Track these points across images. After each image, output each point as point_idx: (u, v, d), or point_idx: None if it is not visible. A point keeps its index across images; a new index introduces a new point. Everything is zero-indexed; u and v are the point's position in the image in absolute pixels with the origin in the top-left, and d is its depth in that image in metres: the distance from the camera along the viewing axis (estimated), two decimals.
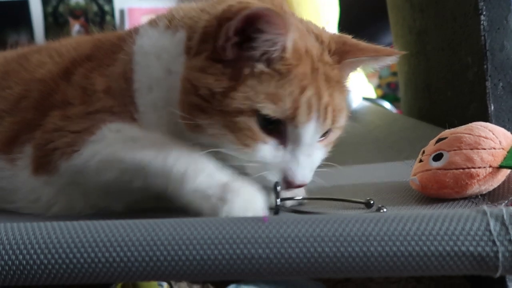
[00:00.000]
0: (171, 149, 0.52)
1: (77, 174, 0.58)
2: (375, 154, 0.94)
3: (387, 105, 1.87)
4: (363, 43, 0.60)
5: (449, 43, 0.89)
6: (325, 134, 0.57)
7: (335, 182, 0.70)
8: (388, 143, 0.83)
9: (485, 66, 0.72)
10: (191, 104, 0.54)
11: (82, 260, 0.39)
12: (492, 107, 0.73)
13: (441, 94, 0.98)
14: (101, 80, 0.62)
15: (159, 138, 0.55)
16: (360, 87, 1.78)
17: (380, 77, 3.07)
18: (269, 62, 0.53)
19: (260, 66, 0.53)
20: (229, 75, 0.53)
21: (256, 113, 0.52)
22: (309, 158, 0.55)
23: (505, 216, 0.38)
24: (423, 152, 0.61)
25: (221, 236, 0.40)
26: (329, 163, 0.61)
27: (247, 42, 0.52)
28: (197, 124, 0.54)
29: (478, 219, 0.39)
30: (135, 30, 0.67)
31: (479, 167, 0.53)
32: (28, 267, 0.39)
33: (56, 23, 1.94)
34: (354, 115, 0.97)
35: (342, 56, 0.58)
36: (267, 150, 0.53)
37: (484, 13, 0.71)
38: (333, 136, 0.60)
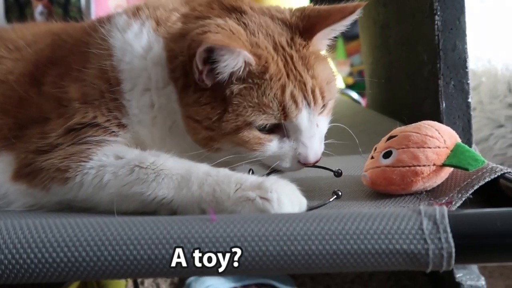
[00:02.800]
0: (188, 175, 0.53)
1: (72, 197, 0.58)
2: (337, 146, 0.96)
3: (354, 95, 1.91)
4: (325, 9, 0.60)
5: (408, 39, 0.91)
6: (323, 107, 0.61)
7: (296, 174, 0.72)
8: (349, 135, 0.86)
9: (438, 65, 0.75)
10: (202, 137, 0.58)
11: (28, 261, 0.39)
12: (444, 105, 0.76)
13: (400, 87, 1.01)
14: (74, 87, 0.60)
15: (166, 161, 0.55)
16: None
17: (351, 65, 3.11)
18: (241, 79, 0.56)
19: (236, 85, 0.56)
20: (219, 99, 0.57)
21: (249, 123, 0.57)
22: (313, 137, 0.60)
23: (437, 216, 0.41)
24: (375, 149, 0.63)
25: (169, 236, 0.40)
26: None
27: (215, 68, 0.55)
28: (215, 148, 0.59)
29: (413, 219, 0.41)
30: (105, 20, 0.64)
31: (424, 165, 0.56)
32: None
33: (17, 4, 1.86)
34: None
35: (313, 31, 0.59)
36: (274, 146, 0.59)
37: (438, 13, 0.73)
38: (331, 104, 0.64)
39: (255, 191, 0.50)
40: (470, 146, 0.78)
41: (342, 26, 0.61)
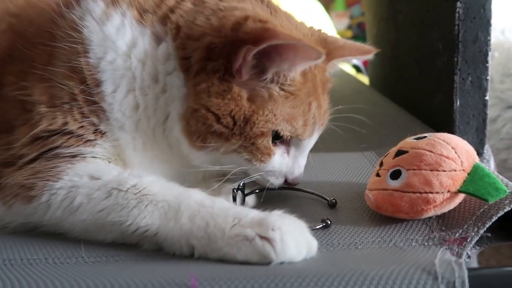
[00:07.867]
0: (178, 204, 0.47)
1: (38, 220, 0.52)
2: (335, 139, 0.88)
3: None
4: (340, 41, 0.59)
5: (422, 20, 0.81)
6: None
7: (289, 198, 0.65)
8: (350, 124, 0.78)
9: (456, 58, 0.66)
10: (210, 131, 0.51)
11: None
12: (458, 103, 0.68)
13: (408, 71, 0.92)
14: (39, 88, 0.52)
15: (150, 184, 0.49)
16: None
17: (351, 17, 2.92)
18: (281, 84, 0.52)
19: (275, 89, 0.52)
20: (246, 97, 0.51)
21: (271, 132, 0.53)
22: (305, 159, 0.59)
23: (456, 283, 0.35)
24: (381, 163, 0.56)
25: None
26: None
27: (262, 64, 0.51)
28: (208, 146, 0.52)
29: (428, 286, 0.36)
30: (74, 4, 0.54)
31: (437, 192, 0.49)
32: None
33: None
34: None
35: (329, 57, 0.57)
36: (277, 160, 0.55)
37: None
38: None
39: (254, 228, 0.43)
40: (483, 148, 0.72)
41: (350, 59, 0.64)
